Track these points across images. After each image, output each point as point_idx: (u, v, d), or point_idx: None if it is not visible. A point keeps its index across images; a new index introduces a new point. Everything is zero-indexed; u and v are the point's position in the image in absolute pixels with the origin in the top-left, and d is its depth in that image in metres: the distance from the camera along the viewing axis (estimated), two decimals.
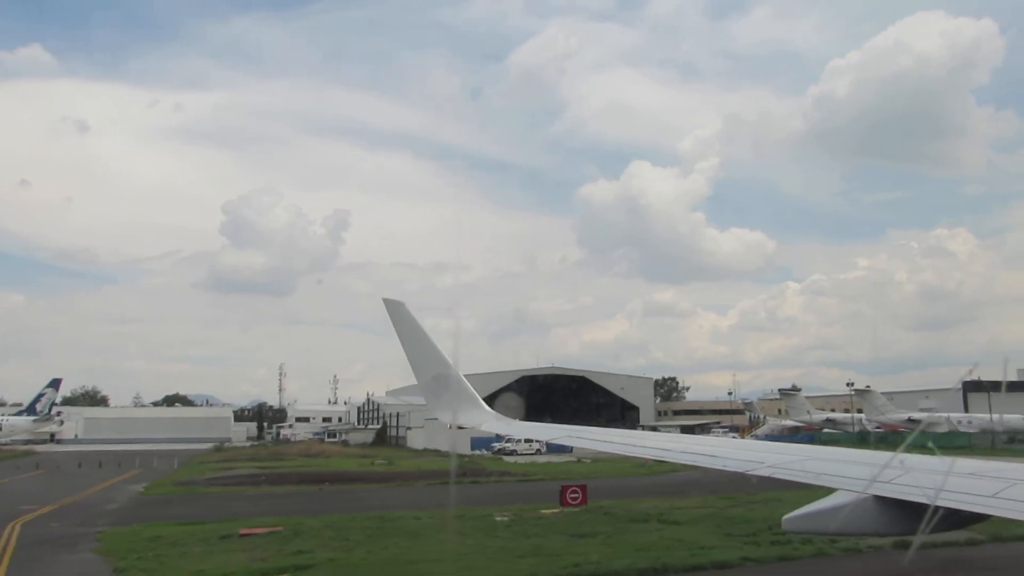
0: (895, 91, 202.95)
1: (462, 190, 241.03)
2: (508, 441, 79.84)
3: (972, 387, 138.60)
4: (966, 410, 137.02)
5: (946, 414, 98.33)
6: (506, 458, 73.04)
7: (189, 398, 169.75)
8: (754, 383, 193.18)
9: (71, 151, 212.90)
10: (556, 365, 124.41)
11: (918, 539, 5.46)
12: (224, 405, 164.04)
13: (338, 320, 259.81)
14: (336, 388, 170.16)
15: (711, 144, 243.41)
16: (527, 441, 79.69)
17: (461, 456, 74.77)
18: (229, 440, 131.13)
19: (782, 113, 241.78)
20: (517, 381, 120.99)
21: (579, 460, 68.62)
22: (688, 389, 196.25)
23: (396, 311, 13.33)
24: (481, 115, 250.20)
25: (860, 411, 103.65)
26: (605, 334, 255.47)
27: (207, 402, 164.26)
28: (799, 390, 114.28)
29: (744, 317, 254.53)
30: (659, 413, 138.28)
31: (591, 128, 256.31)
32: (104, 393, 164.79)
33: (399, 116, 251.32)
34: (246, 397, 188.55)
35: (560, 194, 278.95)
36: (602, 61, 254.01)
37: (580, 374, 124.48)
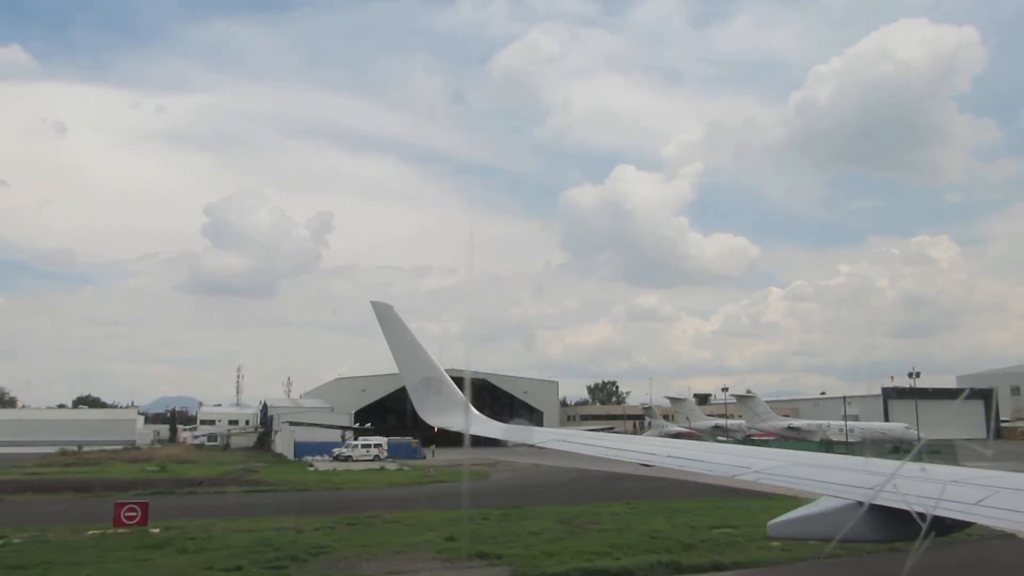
0: (877, 98, 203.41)
1: (446, 194, 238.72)
2: (346, 447, 76.42)
3: (893, 394, 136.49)
4: (886, 418, 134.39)
5: (827, 422, 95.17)
6: (340, 465, 69.01)
7: (173, 400, 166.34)
8: (737, 388, 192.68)
9: (50, 153, 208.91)
10: (455, 367, 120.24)
11: (920, 546, 5.38)
12: (202, 405, 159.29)
13: (322, 322, 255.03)
14: (289, 389, 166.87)
15: (695, 149, 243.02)
16: (365, 447, 76.25)
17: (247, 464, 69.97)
18: (134, 442, 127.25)
19: (765, 119, 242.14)
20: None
21: (424, 470, 63.96)
22: (628, 393, 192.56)
23: (384, 314, 13.07)
24: (465, 119, 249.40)
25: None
26: (589, 338, 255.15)
27: (181, 408, 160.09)
28: (700, 398, 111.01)
29: (727, 322, 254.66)
30: (568, 418, 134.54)
31: (575, 133, 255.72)
32: (12, 395, 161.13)
33: (383, 120, 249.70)
34: (228, 399, 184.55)
35: (544, 198, 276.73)
36: (587, 66, 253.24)
37: (482, 377, 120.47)
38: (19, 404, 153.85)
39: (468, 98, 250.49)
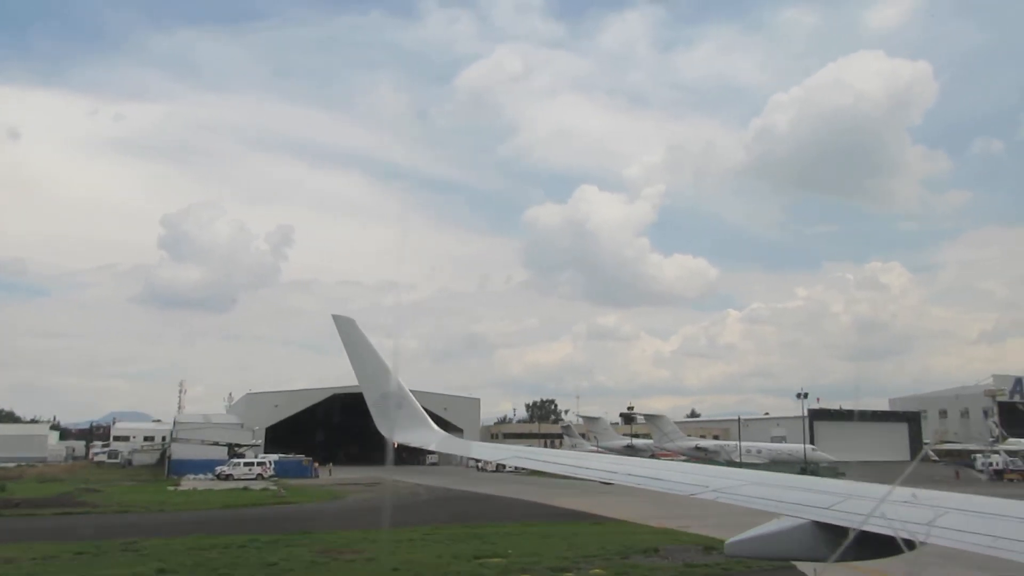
0: (833, 127, 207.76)
1: (409, 209, 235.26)
2: (228, 465, 73.38)
3: (818, 415, 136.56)
4: (812, 439, 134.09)
5: (733, 443, 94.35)
6: (218, 484, 65.88)
7: (123, 414, 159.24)
8: (695, 408, 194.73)
9: (2, 159, 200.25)
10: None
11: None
12: (116, 421, 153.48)
13: (280, 337, 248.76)
14: (229, 405, 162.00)
15: (657, 172, 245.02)
16: (247, 465, 73.31)
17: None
18: (45, 459, 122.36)
19: (726, 144, 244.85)
20: (328, 399, 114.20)
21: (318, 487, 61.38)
22: (567, 412, 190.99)
23: (345, 328, 13.01)
24: (430, 136, 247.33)
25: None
26: (549, 356, 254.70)
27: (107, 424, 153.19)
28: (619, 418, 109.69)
29: (686, 343, 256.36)
30: (491, 436, 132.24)
31: (539, 152, 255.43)
32: None
33: (347, 134, 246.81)
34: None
35: (507, 216, 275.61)
36: (552, 86, 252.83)
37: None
38: None
39: (432, 114, 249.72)
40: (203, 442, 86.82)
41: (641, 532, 32.22)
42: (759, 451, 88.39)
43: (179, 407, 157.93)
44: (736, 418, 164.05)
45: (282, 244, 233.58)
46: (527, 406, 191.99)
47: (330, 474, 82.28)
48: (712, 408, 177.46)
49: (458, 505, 46.47)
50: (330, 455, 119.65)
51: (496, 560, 24.79)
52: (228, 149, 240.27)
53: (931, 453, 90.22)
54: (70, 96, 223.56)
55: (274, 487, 61.98)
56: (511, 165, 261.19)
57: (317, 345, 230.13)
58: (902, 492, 6.87)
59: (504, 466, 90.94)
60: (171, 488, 60.99)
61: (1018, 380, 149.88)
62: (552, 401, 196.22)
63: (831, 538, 6.35)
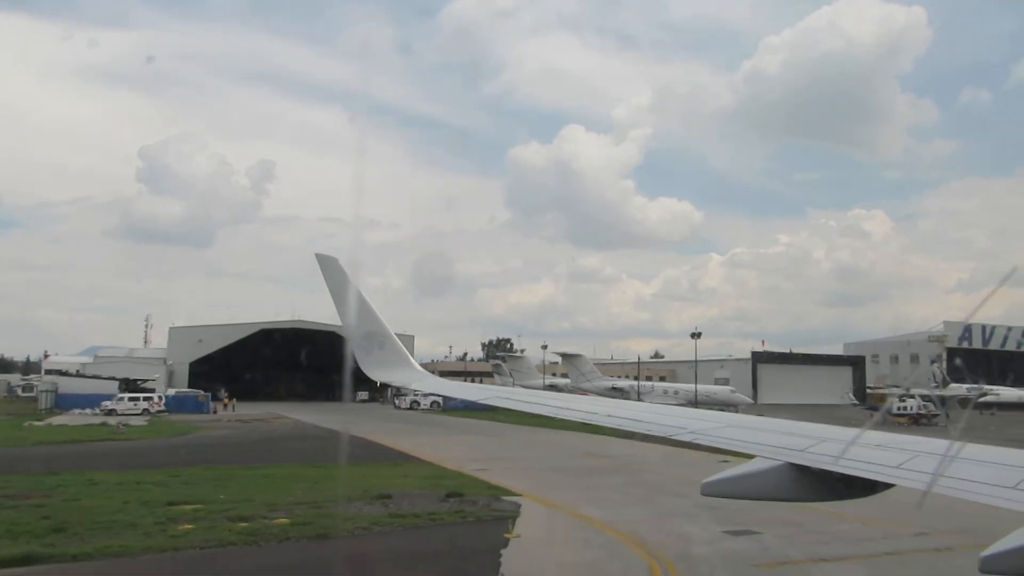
0: (823, 72, 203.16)
1: (392, 146, 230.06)
2: (113, 400, 71.03)
3: (761, 358, 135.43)
4: (754, 380, 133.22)
5: (650, 383, 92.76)
6: (96, 419, 63.46)
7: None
8: (674, 351, 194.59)
9: None
10: (300, 318, 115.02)
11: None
12: (48, 355, 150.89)
13: (261, 273, 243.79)
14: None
15: (644, 114, 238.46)
16: (132, 400, 70.96)
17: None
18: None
19: (715, 87, 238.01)
20: (256, 334, 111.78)
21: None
22: (523, 351, 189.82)
23: (328, 267, 12.67)
24: (413, 71, 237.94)
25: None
26: (531, 297, 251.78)
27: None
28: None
29: (667, 285, 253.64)
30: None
31: (525, 90, 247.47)
32: None
33: (329, 68, 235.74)
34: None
35: (491, 155, 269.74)
36: (540, 23, 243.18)
37: (329, 328, 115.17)
38: None
39: (417, 49, 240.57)
40: (96, 376, 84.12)
41: (432, 476, 29.86)
42: (676, 392, 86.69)
43: (145, 342, 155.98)
44: (684, 361, 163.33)
45: (263, 179, 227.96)
46: (483, 345, 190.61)
47: (227, 408, 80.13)
48: (690, 352, 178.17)
49: (287, 443, 44.23)
50: (267, 391, 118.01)
51: (191, 507, 22.23)
52: (207, 80, 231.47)
53: (851, 397, 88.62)
54: (40, 21, 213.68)
55: (144, 423, 59.69)
56: (496, 103, 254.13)
57: (301, 282, 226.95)
58: (875, 436, 7.01)
59: (419, 404, 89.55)
60: (36, 423, 58.51)
61: (967, 328, 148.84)
62: (508, 340, 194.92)
63: (805, 479, 6.54)
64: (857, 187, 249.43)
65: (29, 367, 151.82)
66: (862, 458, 6.25)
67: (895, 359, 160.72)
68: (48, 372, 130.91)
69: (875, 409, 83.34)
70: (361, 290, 13.04)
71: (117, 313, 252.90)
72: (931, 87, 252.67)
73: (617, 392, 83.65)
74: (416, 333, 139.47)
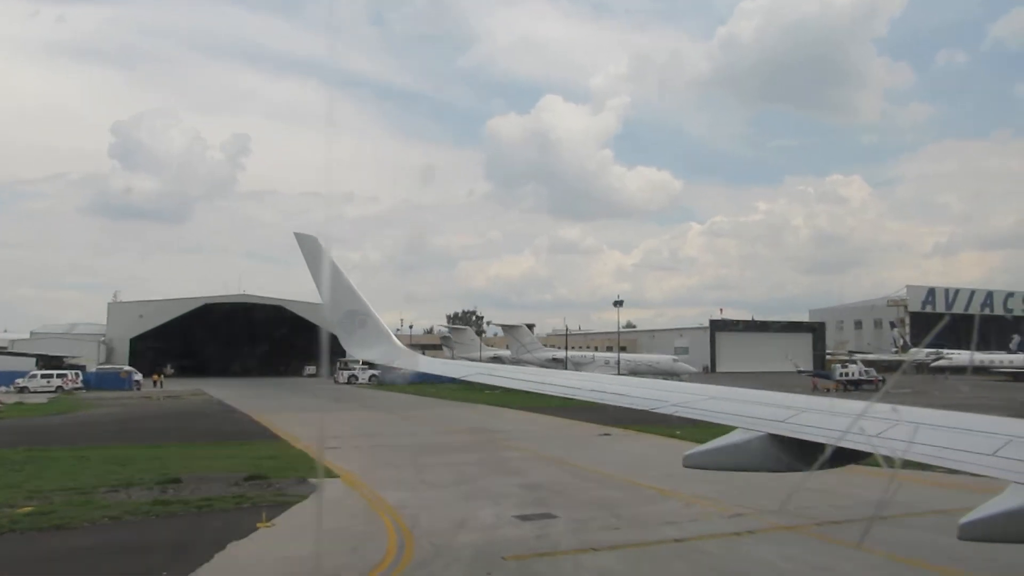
0: (799, 37, 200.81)
1: (369, 120, 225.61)
2: (25, 378, 68.53)
3: (719, 326, 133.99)
4: (712, 348, 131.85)
5: (591, 354, 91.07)
6: (10, 397, 61.04)
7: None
8: (656, 321, 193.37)
9: None
10: (247, 292, 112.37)
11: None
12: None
13: (237, 249, 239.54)
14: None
15: (621, 82, 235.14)
16: (45, 378, 68.57)
17: None
18: None
19: (691, 54, 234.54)
20: (200, 309, 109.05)
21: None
22: (490, 323, 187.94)
23: (308, 246, 12.49)
24: (388, 43, 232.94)
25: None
26: (512, 269, 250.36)
27: None
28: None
29: (648, 255, 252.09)
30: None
31: (502, 61, 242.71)
32: None
33: (302, 41, 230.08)
34: None
35: (469, 126, 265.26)
36: None
37: (275, 302, 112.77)
38: None
39: (390, 20, 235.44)
40: (14, 353, 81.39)
41: (265, 456, 27.71)
42: (607, 362, 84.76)
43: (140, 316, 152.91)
44: (644, 331, 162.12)
45: (239, 154, 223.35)
46: (448, 317, 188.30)
47: (157, 386, 77.68)
48: (673, 321, 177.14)
49: (166, 422, 41.79)
50: (219, 366, 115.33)
51: None
52: (178, 55, 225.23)
53: (797, 364, 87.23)
54: None
55: (44, 400, 57.33)
56: (473, 75, 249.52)
57: (277, 258, 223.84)
58: (855, 406, 6.96)
59: (356, 379, 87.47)
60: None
61: (930, 291, 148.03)
62: (474, 311, 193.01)
63: (785, 449, 6.69)
64: (834, 153, 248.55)
65: None
66: (840, 427, 6.16)
67: (859, 324, 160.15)
68: None
69: (820, 375, 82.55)
70: (341, 268, 13.05)
71: (93, 291, 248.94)
72: (907, 50, 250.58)
73: (557, 363, 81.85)
74: (396, 307, 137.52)
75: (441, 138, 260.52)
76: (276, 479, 22.63)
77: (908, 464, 5.50)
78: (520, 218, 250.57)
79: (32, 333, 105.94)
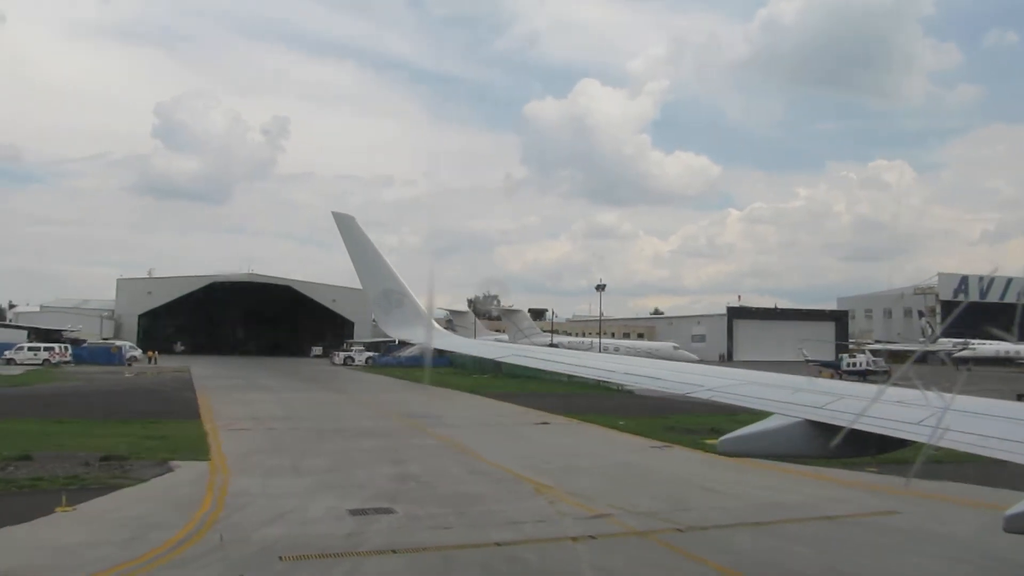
0: (842, 18, 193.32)
1: (406, 102, 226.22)
2: (12, 350, 68.74)
3: (736, 314, 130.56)
4: (729, 336, 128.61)
5: (590, 339, 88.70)
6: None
7: None
8: (693, 308, 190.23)
9: None
10: (255, 272, 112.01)
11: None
12: (13, 306, 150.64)
13: (276, 230, 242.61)
14: None
15: (660, 66, 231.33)
16: (32, 351, 68.70)
17: None
18: None
19: (731, 37, 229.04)
20: (207, 287, 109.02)
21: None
22: (511, 306, 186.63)
23: (346, 225, 12.77)
24: (426, 26, 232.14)
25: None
26: (548, 254, 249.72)
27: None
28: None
29: (685, 242, 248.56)
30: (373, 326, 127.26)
31: (539, 45, 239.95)
32: None
33: (340, 23, 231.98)
34: None
35: (506, 110, 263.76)
36: None
37: (283, 282, 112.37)
38: None
39: (428, 3, 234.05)
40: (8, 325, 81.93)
41: (159, 436, 26.38)
42: (616, 348, 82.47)
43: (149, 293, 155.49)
44: (662, 316, 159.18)
45: (278, 136, 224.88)
46: (468, 301, 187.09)
47: (150, 362, 77.62)
48: (709, 308, 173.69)
49: (113, 398, 40.62)
50: (231, 345, 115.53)
51: None
52: (219, 36, 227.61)
53: (805, 353, 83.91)
54: None
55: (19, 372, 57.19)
56: (510, 58, 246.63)
57: (316, 239, 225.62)
58: (894, 392, 6.85)
59: (352, 360, 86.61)
60: None
61: (963, 279, 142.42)
62: (495, 296, 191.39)
63: (822, 436, 6.56)
64: (878, 137, 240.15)
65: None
66: (881, 415, 6.18)
67: (888, 313, 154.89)
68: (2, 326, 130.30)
69: (827, 365, 79.19)
70: (378, 248, 13.01)
71: (132, 267, 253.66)
72: (955, 30, 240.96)
73: (555, 348, 79.79)
74: (435, 290, 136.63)
75: (477, 122, 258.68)
76: (135, 460, 21.24)
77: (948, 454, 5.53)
78: (557, 203, 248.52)
79: (42, 306, 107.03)
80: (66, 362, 68.65)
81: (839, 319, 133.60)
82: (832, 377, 67.20)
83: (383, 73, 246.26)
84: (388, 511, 16.57)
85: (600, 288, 79.17)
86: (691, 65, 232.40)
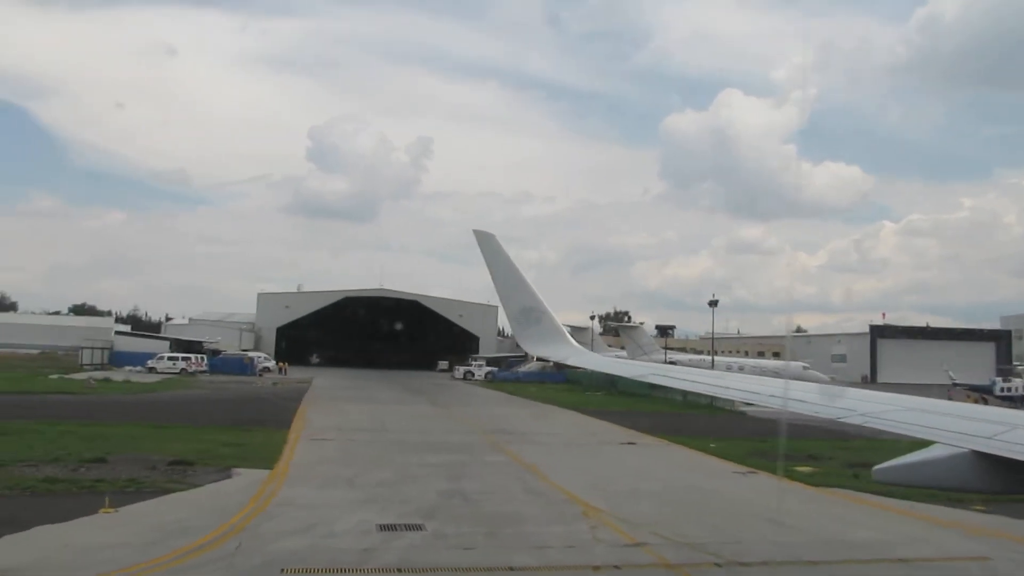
0: (1012, 11, 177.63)
1: (545, 120, 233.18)
2: (154, 359, 73.89)
3: (881, 332, 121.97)
4: (872, 358, 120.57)
5: (706, 357, 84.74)
6: (134, 376, 66.24)
7: (99, 309, 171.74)
8: (843, 327, 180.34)
9: (162, 76, 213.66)
10: (385, 287, 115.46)
11: None
12: (170, 319, 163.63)
13: (421, 247, 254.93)
14: None
15: (806, 73, 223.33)
16: (171, 360, 73.62)
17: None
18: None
19: (884, 40, 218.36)
20: (340, 302, 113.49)
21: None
22: (642, 324, 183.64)
23: (486, 242, 13.16)
24: (563, 43, 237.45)
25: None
26: (688, 270, 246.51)
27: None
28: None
29: (834, 256, 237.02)
30: (518, 345, 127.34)
31: (677, 56, 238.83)
32: (13, 299, 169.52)
33: (480, 44, 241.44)
34: None
35: (644, 125, 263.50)
36: None
37: (413, 297, 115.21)
38: (19, 309, 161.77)
39: (565, 20, 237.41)
40: (155, 336, 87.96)
41: (235, 443, 27.12)
42: (740, 368, 78.70)
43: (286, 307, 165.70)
44: (802, 334, 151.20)
45: (422, 156, 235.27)
46: (600, 317, 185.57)
47: (281, 373, 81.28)
48: (859, 327, 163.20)
49: (227, 406, 42.35)
50: (366, 358, 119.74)
51: None
52: (366, 62, 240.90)
53: (952, 376, 76.95)
54: (219, 14, 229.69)
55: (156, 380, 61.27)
56: (648, 72, 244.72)
57: (459, 256, 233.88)
58: None
59: (472, 375, 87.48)
60: (53, 376, 61.11)
61: None
62: (626, 312, 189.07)
63: (993, 469, 6.17)
64: None
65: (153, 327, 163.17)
66: None
67: None
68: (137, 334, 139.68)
69: (978, 389, 72.17)
70: (518, 266, 13.09)
71: (288, 284, 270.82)
72: None
73: (672, 365, 77.29)
74: (572, 307, 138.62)
75: (615, 137, 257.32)
76: (201, 466, 21.82)
77: None
78: (697, 217, 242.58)
79: (190, 319, 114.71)
80: (202, 371, 72.84)
81: (1000, 339, 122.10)
82: (977, 403, 61.28)
83: (523, 92, 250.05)
84: (418, 528, 16.07)
85: (713, 304, 76.26)
86: (841, 71, 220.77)
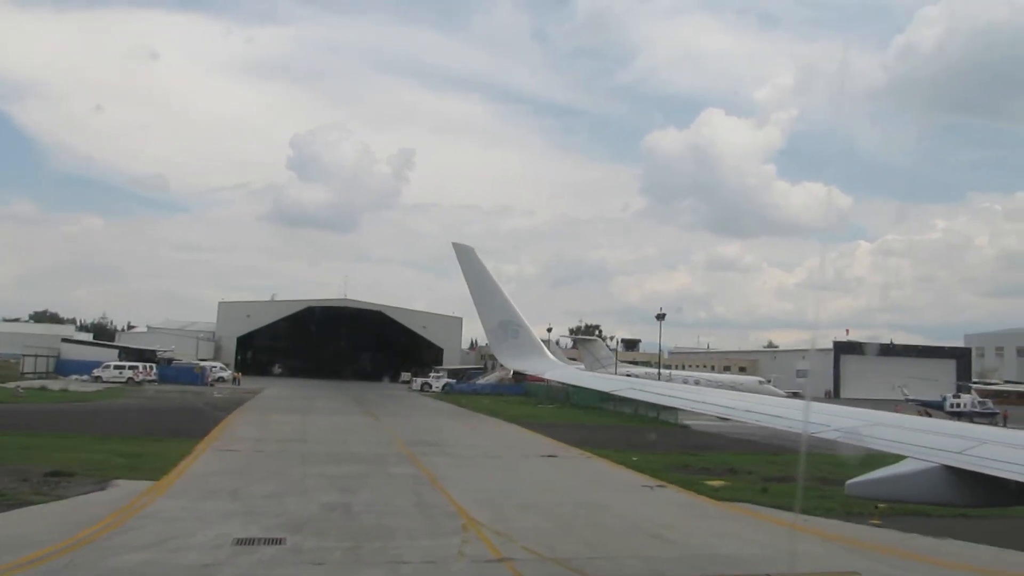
0: (987, 43, 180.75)
1: (528, 134, 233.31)
2: (100, 368, 72.37)
3: (845, 348, 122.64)
4: (835, 372, 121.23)
5: (668, 371, 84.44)
6: (77, 385, 64.81)
7: (61, 316, 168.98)
8: (818, 343, 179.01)
9: (143, 80, 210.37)
10: (349, 296, 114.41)
11: None
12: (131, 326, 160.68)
13: (400, 258, 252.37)
14: None
15: (787, 95, 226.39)
16: (117, 369, 72.01)
17: None
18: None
19: (864, 65, 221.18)
20: (302, 312, 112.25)
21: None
22: (612, 338, 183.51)
23: (465, 256, 12.95)
24: (548, 59, 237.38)
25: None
26: (667, 285, 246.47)
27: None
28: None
29: (811, 275, 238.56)
30: (480, 357, 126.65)
31: (662, 75, 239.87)
32: None
33: (466, 57, 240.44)
34: None
35: (626, 142, 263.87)
36: (677, 6, 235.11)
37: (377, 308, 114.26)
38: None
39: (552, 36, 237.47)
40: (102, 344, 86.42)
41: (133, 454, 26.26)
42: (696, 381, 78.46)
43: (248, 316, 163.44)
44: (766, 349, 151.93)
45: (404, 167, 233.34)
46: (570, 330, 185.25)
47: (235, 383, 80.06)
48: (827, 343, 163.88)
49: (154, 416, 41.42)
50: (329, 369, 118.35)
51: None
52: (352, 72, 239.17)
53: (906, 392, 77.37)
54: (205, 19, 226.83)
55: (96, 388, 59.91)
56: (632, 89, 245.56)
57: (436, 268, 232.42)
58: None
59: (430, 386, 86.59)
60: None
61: None
62: (597, 326, 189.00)
63: (961, 483, 6.30)
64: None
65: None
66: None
67: (1022, 352, 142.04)
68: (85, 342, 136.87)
69: (930, 405, 72.52)
70: (496, 279, 13.07)
71: (263, 292, 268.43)
72: None
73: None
74: (551, 321, 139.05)
75: (598, 153, 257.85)
76: (82, 477, 20.97)
77: None
78: (677, 234, 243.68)
79: (148, 327, 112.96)
80: (150, 381, 71.35)
81: (961, 357, 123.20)
82: (922, 415, 61.46)
83: (507, 106, 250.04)
84: (278, 542, 15.36)
85: (660, 317, 75.88)
86: (821, 94, 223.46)
